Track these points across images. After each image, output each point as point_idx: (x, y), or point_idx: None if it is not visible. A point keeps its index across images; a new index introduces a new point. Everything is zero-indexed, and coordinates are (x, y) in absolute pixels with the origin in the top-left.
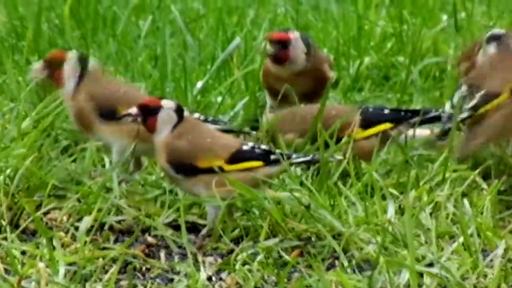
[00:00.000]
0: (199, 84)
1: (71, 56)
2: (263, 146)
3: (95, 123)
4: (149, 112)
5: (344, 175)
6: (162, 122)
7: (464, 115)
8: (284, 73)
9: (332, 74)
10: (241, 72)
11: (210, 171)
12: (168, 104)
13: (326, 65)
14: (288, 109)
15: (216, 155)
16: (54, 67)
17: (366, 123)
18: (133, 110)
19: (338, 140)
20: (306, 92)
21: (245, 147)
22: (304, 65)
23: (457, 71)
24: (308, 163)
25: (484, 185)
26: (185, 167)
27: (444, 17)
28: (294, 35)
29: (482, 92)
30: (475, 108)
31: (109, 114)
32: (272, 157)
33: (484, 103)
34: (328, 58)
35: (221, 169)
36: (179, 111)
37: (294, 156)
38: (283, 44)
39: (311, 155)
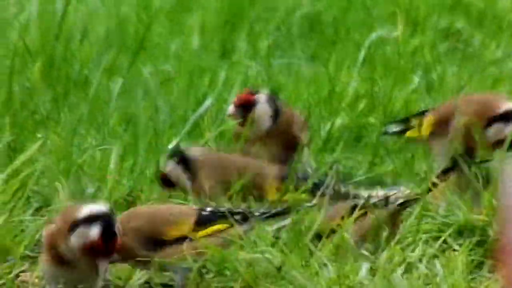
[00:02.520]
0: (171, 146)
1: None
2: (223, 208)
3: None
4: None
5: (316, 236)
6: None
7: None
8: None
9: (304, 136)
10: (212, 133)
11: (178, 241)
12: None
13: (296, 126)
14: (211, 155)
15: (181, 224)
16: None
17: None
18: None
19: (260, 197)
20: (276, 153)
21: (204, 212)
22: (269, 127)
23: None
24: (274, 216)
25: (455, 246)
26: (151, 242)
27: (416, 78)
28: (259, 96)
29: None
30: None
31: None
32: (237, 217)
33: None
34: (299, 119)
35: (189, 238)
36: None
37: (256, 213)
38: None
39: (278, 208)
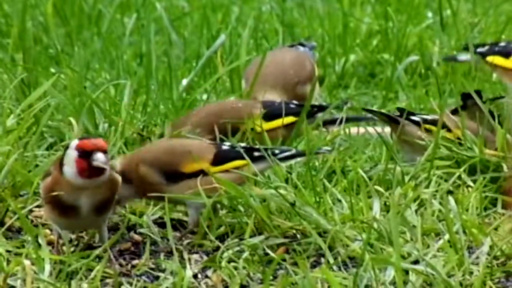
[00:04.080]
0: (184, 82)
1: None
2: (243, 144)
3: None
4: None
5: (330, 173)
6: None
7: None
8: None
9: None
10: (225, 69)
11: (195, 175)
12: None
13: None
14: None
15: (200, 158)
16: None
17: (270, 116)
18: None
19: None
20: None
21: (224, 147)
22: None
23: None
24: (293, 157)
25: (470, 182)
26: (169, 173)
27: (430, 14)
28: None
29: None
30: None
31: None
32: (256, 154)
33: None
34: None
35: (206, 172)
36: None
37: (277, 151)
38: None
39: (294, 149)
